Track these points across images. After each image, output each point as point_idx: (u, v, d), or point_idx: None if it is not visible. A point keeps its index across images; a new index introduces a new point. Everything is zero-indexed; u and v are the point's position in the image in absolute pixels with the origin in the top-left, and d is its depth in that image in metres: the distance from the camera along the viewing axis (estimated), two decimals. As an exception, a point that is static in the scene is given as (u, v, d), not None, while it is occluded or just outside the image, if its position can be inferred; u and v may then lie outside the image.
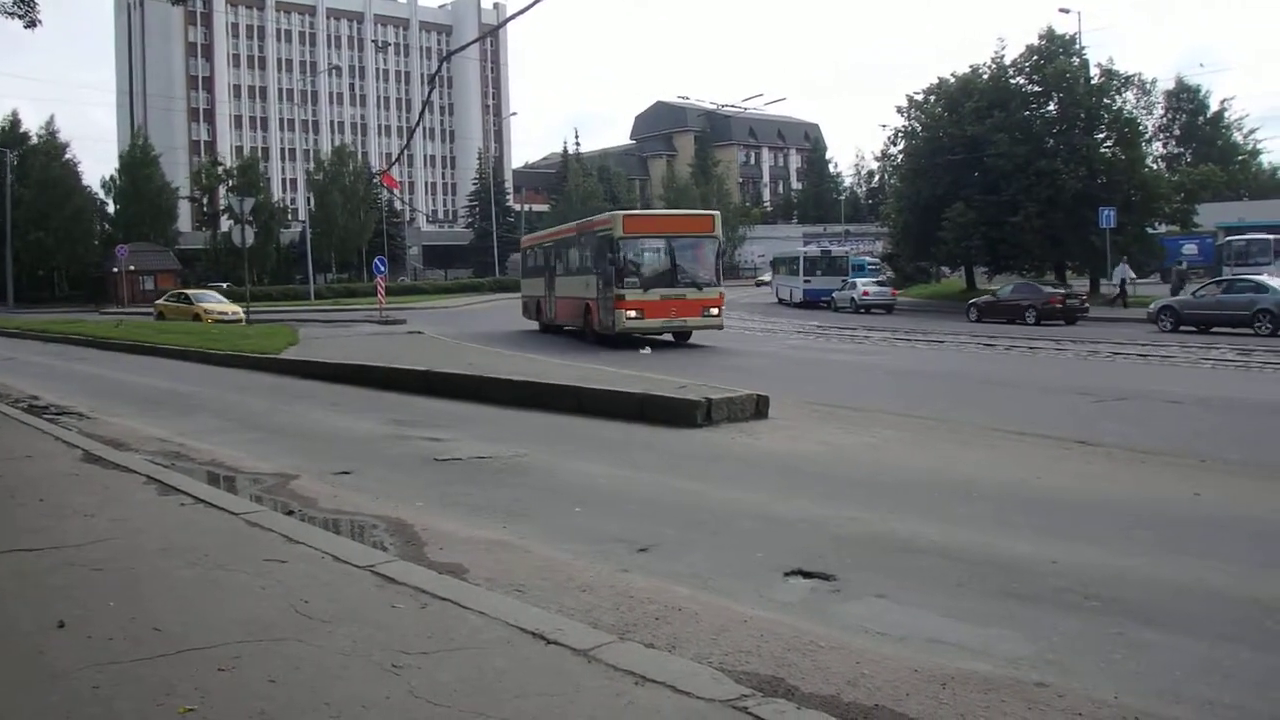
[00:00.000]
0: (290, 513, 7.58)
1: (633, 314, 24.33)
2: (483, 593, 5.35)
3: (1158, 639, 4.90)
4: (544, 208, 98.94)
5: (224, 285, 64.19)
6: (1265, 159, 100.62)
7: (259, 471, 9.52)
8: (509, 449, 10.44)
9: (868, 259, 61.24)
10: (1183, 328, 28.86)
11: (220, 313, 42.20)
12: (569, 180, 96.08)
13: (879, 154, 56.08)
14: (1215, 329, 27.96)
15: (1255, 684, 4.40)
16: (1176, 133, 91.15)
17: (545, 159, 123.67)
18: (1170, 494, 8.19)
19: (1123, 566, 6.10)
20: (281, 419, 13.65)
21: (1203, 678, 4.43)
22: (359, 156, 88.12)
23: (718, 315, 25.38)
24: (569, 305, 28.82)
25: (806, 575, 5.93)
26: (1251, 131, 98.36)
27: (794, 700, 3.99)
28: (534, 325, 33.43)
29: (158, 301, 48.10)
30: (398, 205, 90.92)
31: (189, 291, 47.80)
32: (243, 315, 41.68)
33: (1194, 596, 5.57)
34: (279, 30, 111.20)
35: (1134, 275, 39.20)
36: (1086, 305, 35.47)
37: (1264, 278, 29.31)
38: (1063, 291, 36.12)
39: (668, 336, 25.92)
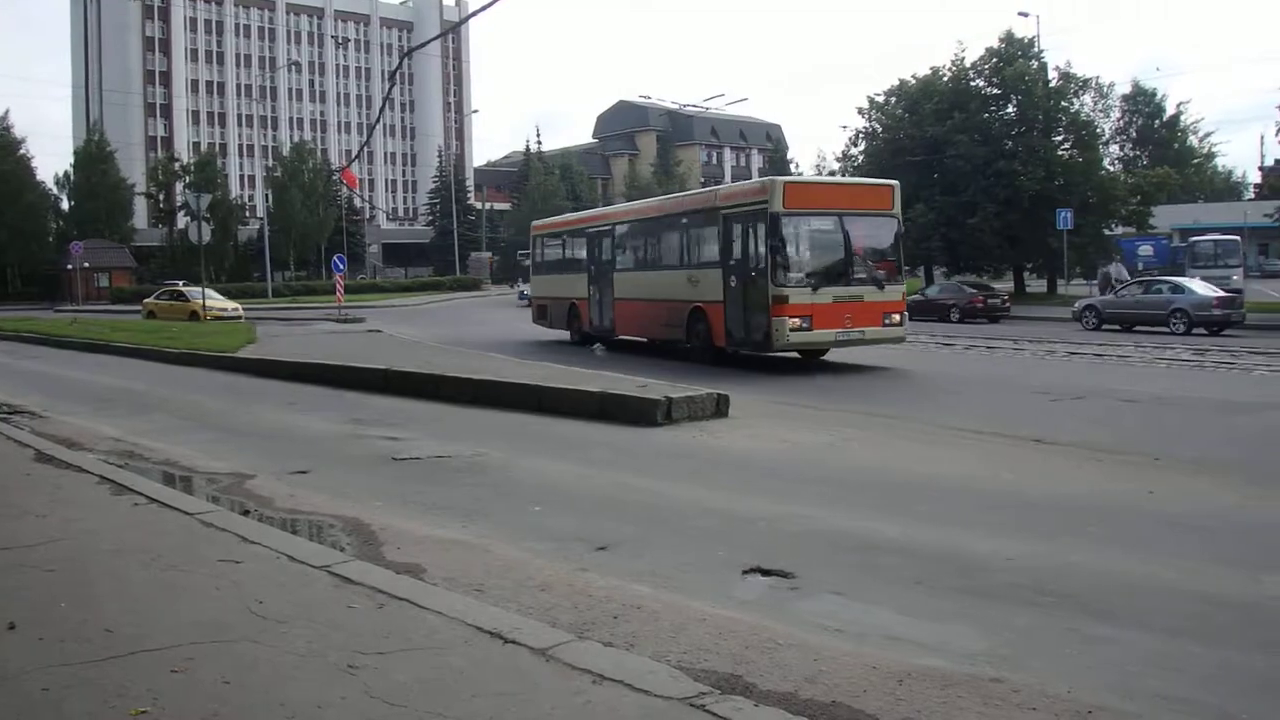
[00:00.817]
0: (246, 513, 7.50)
1: (798, 322, 17.56)
2: (440, 592, 5.31)
3: (1111, 634, 4.95)
4: (505, 206, 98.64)
5: (180, 283, 63.50)
6: (1220, 162, 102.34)
7: (214, 471, 9.41)
8: (468, 448, 10.39)
9: None
10: (1105, 326, 30.53)
11: (220, 309, 40.30)
12: (531, 178, 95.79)
13: (840, 155, 56.14)
14: (1136, 327, 29.64)
15: (1205, 677, 4.46)
16: (1133, 135, 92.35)
17: (507, 157, 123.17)
18: (1124, 491, 8.29)
19: (1077, 562, 6.17)
20: (238, 418, 13.51)
21: (1154, 672, 4.49)
22: (318, 153, 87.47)
23: (900, 323, 18.93)
24: (654, 311, 21.65)
25: (765, 573, 5.95)
26: (1207, 135, 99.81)
27: (752, 697, 3.99)
28: (555, 334, 27.09)
29: (146, 300, 45.54)
30: (358, 203, 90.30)
31: (183, 288, 45.72)
32: (241, 312, 40.49)
33: (1147, 592, 5.63)
34: (237, 25, 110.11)
35: (1128, 276, 37.65)
36: (1008, 305, 37.59)
37: (1182, 279, 31.74)
38: (984, 292, 38.17)
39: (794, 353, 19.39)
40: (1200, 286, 29.88)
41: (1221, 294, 29.19)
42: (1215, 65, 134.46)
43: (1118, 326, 30.04)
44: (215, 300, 41.95)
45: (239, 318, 38.96)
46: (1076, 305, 33.17)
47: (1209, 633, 4.99)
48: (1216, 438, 11.48)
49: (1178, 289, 29.87)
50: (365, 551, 6.37)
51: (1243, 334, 28.27)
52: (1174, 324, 28.66)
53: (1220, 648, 4.80)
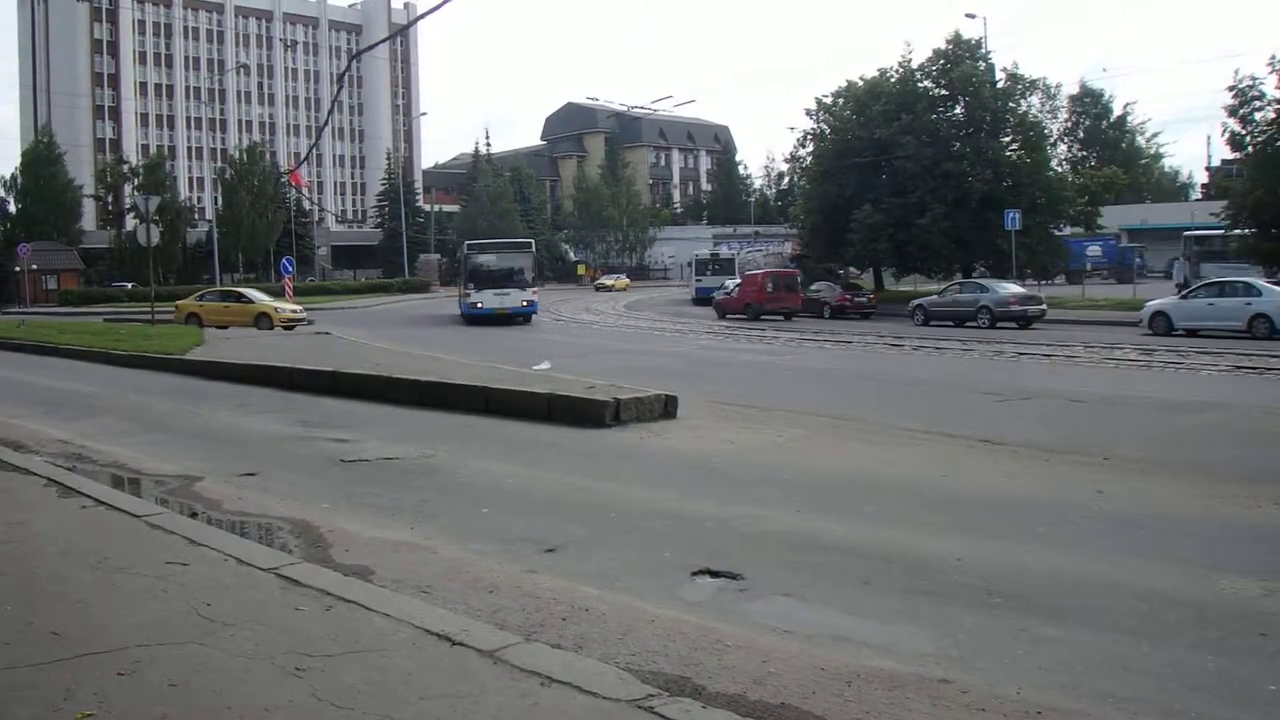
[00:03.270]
0: (194, 515, 7.44)
1: None
2: (388, 594, 5.29)
3: (1060, 634, 5.00)
4: (454, 208, 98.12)
5: (128, 285, 62.43)
6: (1167, 162, 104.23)
7: (162, 473, 9.30)
8: (416, 450, 10.34)
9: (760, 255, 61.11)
10: (932, 322, 34.86)
11: (292, 311, 36.68)
12: (479, 180, 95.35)
13: (788, 156, 56.50)
14: (961, 324, 33.62)
15: (1155, 676, 4.51)
16: (1080, 136, 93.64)
17: (456, 159, 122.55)
18: (1073, 491, 8.38)
19: (1026, 563, 6.23)
20: (186, 420, 13.34)
21: (1104, 671, 4.54)
22: (267, 156, 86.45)
23: None
24: None
25: (714, 574, 5.96)
26: (1154, 136, 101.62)
27: (700, 699, 4.00)
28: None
29: (183, 303, 39.21)
30: (306, 205, 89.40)
31: (241, 289, 41.02)
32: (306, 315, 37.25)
33: (1096, 592, 5.70)
34: (186, 28, 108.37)
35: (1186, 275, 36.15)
36: (874, 304, 42.17)
37: (989, 280, 36.84)
38: (850, 292, 43.36)
39: None
40: (1001, 287, 34.53)
41: (1019, 292, 34.11)
42: (1162, 67, 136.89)
43: (948, 322, 34.16)
44: (285, 302, 38.90)
45: (305, 320, 36.13)
46: (910, 305, 37.52)
47: (1159, 632, 5.05)
48: (1165, 437, 11.65)
49: (983, 289, 35.06)
50: (313, 554, 6.32)
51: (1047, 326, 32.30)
52: (980, 319, 33.33)
53: (1170, 646, 4.86)
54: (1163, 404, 14.40)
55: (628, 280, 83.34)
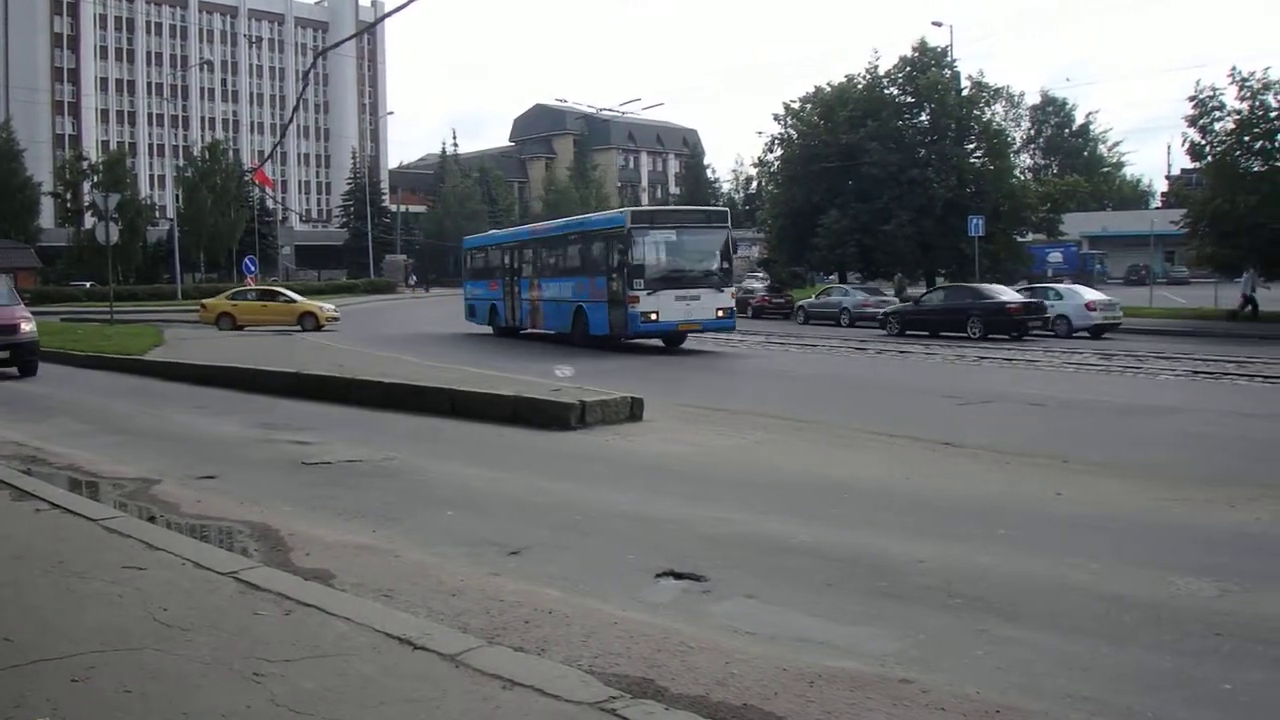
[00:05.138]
0: (151, 518, 7.32)
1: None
2: (349, 598, 5.24)
3: (1020, 635, 5.04)
4: (421, 208, 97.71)
5: (87, 284, 61.63)
6: (1128, 171, 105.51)
7: (120, 476, 9.18)
8: (380, 452, 10.28)
9: None
10: (811, 321, 38.04)
11: (332, 312, 35.98)
12: (446, 181, 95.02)
13: (756, 160, 56.65)
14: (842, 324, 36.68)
15: (1112, 676, 4.55)
16: (1042, 144, 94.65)
17: (423, 159, 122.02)
18: (1033, 494, 8.46)
19: (987, 564, 6.27)
20: (144, 422, 13.20)
21: (1062, 671, 4.57)
22: (231, 154, 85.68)
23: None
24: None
25: (678, 576, 5.97)
26: (1116, 144, 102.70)
27: (663, 701, 3.99)
28: None
29: (211, 301, 38.28)
30: (270, 204, 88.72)
31: (279, 288, 40.31)
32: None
33: (1055, 593, 5.74)
34: (149, 23, 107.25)
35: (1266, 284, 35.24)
36: (792, 304, 42.62)
37: (846, 286, 40.06)
38: (770, 294, 45.10)
39: None
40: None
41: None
42: (1125, 77, 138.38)
43: (831, 323, 37.04)
44: (326, 301, 38.10)
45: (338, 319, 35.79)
46: (796, 306, 40.22)
47: (1116, 633, 5.09)
48: (1123, 440, 11.77)
49: (845, 293, 38.96)
50: (273, 557, 6.25)
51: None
52: (841, 318, 37.06)
53: (1128, 647, 4.91)
54: (1122, 408, 14.56)
55: None
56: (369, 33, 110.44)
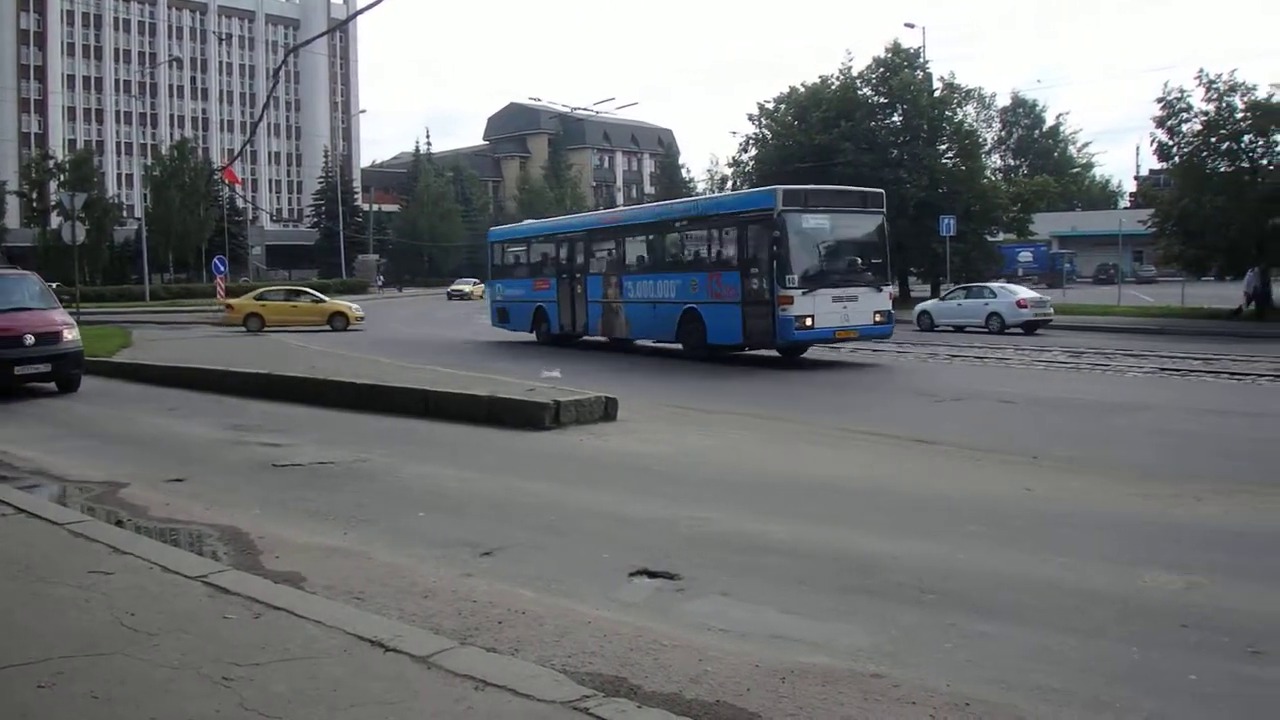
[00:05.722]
0: (119, 522, 7.27)
1: None
2: (320, 601, 5.20)
3: (990, 629, 5.08)
4: (394, 208, 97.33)
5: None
6: (1097, 172, 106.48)
7: (87, 480, 9.10)
8: (352, 453, 10.22)
9: None
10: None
11: (359, 312, 35.83)
12: (420, 180, 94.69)
13: (731, 160, 56.67)
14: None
15: (1081, 669, 4.59)
16: (1013, 145, 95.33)
17: (396, 158, 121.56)
18: (1003, 490, 8.51)
19: (959, 560, 6.31)
20: (112, 424, 13.07)
21: (1032, 665, 4.62)
22: (200, 152, 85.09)
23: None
24: None
25: (652, 575, 5.97)
26: (1085, 145, 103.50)
27: (636, 699, 4.00)
28: None
29: (237, 301, 36.90)
30: (240, 203, 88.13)
31: (304, 288, 40.15)
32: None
33: (1025, 587, 5.79)
34: (117, 19, 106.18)
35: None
36: None
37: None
38: None
39: None
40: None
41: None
42: (1094, 79, 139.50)
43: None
44: (350, 300, 37.94)
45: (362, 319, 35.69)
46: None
47: (1085, 626, 5.14)
48: (1093, 437, 11.85)
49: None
50: (242, 560, 6.21)
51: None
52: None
53: (1096, 640, 4.95)
54: (1091, 405, 14.65)
55: (482, 286, 77.63)
56: (341, 30, 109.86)
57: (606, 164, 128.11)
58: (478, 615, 5.12)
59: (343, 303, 36.76)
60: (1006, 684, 4.36)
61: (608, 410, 12.20)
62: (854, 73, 49.08)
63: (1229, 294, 35.82)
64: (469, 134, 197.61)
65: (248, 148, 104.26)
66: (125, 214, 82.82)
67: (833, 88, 49.28)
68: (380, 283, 76.66)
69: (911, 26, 77.09)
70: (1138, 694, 4.31)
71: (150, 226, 66.95)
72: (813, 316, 18.89)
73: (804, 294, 18.75)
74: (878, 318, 20.10)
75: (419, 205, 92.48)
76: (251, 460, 10.12)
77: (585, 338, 25.49)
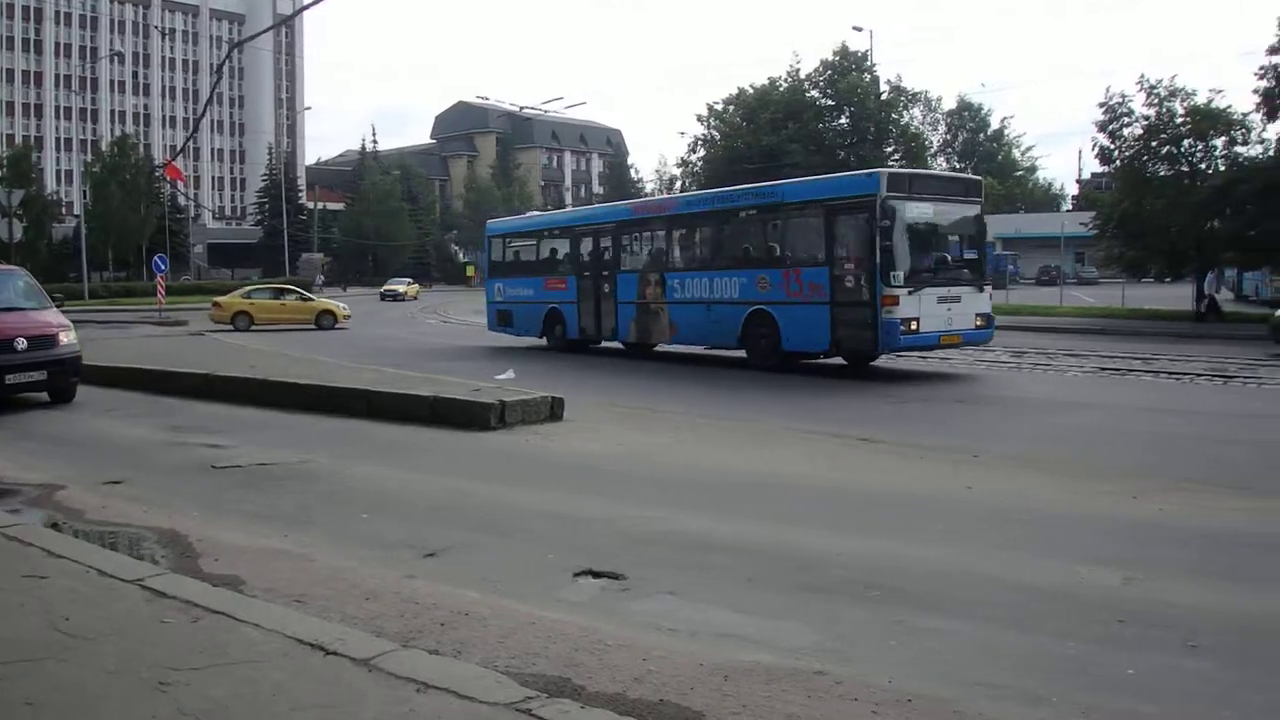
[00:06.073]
0: (55, 526, 7.11)
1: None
2: (260, 604, 5.13)
3: (934, 625, 5.14)
4: (339, 206, 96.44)
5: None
6: (1041, 175, 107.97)
7: (22, 482, 8.89)
8: (294, 454, 10.10)
9: None
10: None
11: (346, 311, 36.09)
12: (365, 178, 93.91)
13: (680, 161, 56.89)
14: None
15: (1020, 663, 4.67)
16: (958, 148, 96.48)
17: (342, 156, 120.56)
18: (946, 488, 8.59)
19: (904, 557, 6.38)
20: (49, 426, 12.81)
21: (973, 659, 4.69)
22: (141, 149, 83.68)
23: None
24: None
25: (596, 575, 5.96)
26: (1029, 149, 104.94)
27: (580, 700, 3.99)
28: None
29: (224, 300, 36.72)
30: (182, 200, 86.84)
31: (288, 285, 40.69)
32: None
33: (968, 583, 5.86)
34: (58, 13, 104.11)
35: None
36: None
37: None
38: None
39: None
40: None
41: None
42: (1038, 83, 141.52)
43: None
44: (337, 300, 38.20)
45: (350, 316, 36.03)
46: None
47: (1025, 621, 5.22)
48: (1035, 435, 11.99)
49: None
50: (181, 564, 6.11)
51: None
52: None
53: (1036, 634, 5.03)
54: (1037, 404, 14.84)
55: (417, 286, 75.53)
56: (287, 25, 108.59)
57: (555, 163, 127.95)
58: (421, 617, 5.08)
59: (331, 302, 36.88)
60: (948, 679, 4.41)
61: (554, 410, 12.16)
62: (802, 75, 49.55)
63: (1169, 295, 36.42)
64: (416, 132, 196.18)
65: (190, 144, 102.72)
66: (64, 211, 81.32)
67: (781, 89, 49.71)
68: (320, 282, 75.48)
69: (859, 30, 77.79)
70: (1076, 688, 4.37)
71: (90, 224, 65.72)
72: (918, 319, 16.63)
73: (910, 293, 16.47)
74: (979, 321, 17.80)
75: (364, 204, 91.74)
76: (191, 462, 9.96)
77: (612, 342, 23.27)
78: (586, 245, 23.57)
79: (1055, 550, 6.61)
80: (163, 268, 43.74)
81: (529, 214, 35.28)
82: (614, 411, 13.34)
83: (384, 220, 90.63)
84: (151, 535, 6.91)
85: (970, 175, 20.62)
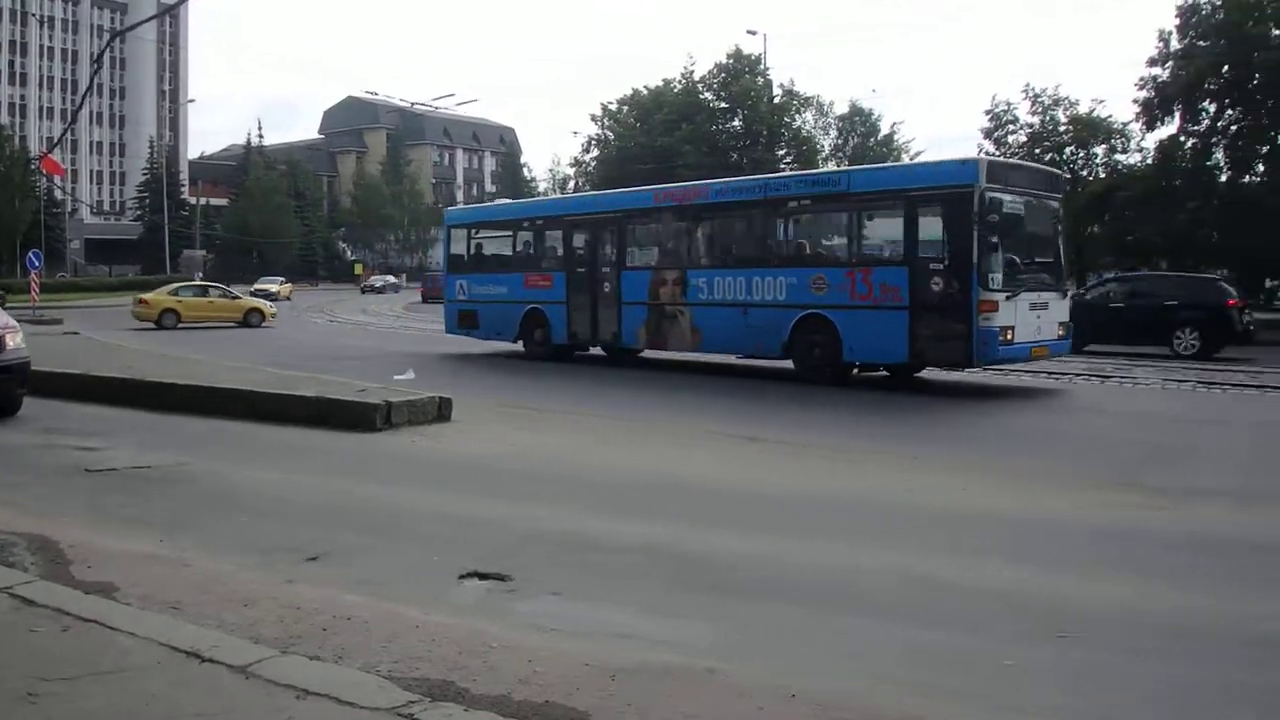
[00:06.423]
0: (-87, 534, 6.80)
1: None
2: (134, 612, 4.97)
3: (823, 620, 5.25)
4: (223, 202, 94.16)
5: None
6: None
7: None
8: (172, 457, 9.78)
9: None
10: None
11: (274, 310, 36.88)
12: (250, 173, 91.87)
13: (574, 160, 56.88)
14: None
15: (912, 656, 4.79)
16: (849, 153, 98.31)
17: (226, 150, 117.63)
18: (858, 486, 8.83)
19: (800, 555, 6.50)
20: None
21: (866, 653, 4.80)
22: (16, 140, 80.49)
23: None
24: None
25: (483, 576, 5.91)
26: (918, 154, 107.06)
27: (463, 703, 3.95)
28: None
29: (149, 297, 35.63)
30: (59, 194, 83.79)
31: (217, 284, 40.57)
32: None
33: (868, 579, 5.99)
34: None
35: None
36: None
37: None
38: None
39: None
40: None
41: None
42: (928, 90, 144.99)
43: None
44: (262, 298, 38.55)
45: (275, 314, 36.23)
46: None
47: (924, 615, 5.36)
48: (952, 437, 12.34)
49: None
50: (51, 571, 5.87)
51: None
52: None
53: (933, 628, 5.17)
54: (955, 405, 15.20)
55: (290, 286, 72.53)
56: (170, 15, 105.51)
57: (447, 161, 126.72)
58: (301, 622, 4.97)
59: (259, 301, 37.22)
60: (838, 673, 4.51)
61: (441, 410, 12.02)
62: (696, 77, 49.96)
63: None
64: (305, 127, 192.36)
65: (68, 136, 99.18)
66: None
67: (675, 91, 50.05)
68: (199, 279, 73.20)
69: (754, 34, 78.19)
70: (955, 677, 4.53)
71: (-40, 219, 63.09)
72: (1013, 328, 14.87)
73: (1007, 299, 14.70)
74: (1060, 330, 16.18)
75: (249, 200, 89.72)
76: (63, 465, 9.58)
77: (593, 350, 21.34)
78: (582, 237, 21.03)
79: (959, 546, 6.80)
80: (37, 264, 42.18)
81: (499, 201, 32.81)
82: (504, 412, 13.27)
83: (269, 217, 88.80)
84: (21, 541, 6.61)
85: (1053, 169, 18.85)
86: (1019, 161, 17.47)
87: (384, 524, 7.33)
